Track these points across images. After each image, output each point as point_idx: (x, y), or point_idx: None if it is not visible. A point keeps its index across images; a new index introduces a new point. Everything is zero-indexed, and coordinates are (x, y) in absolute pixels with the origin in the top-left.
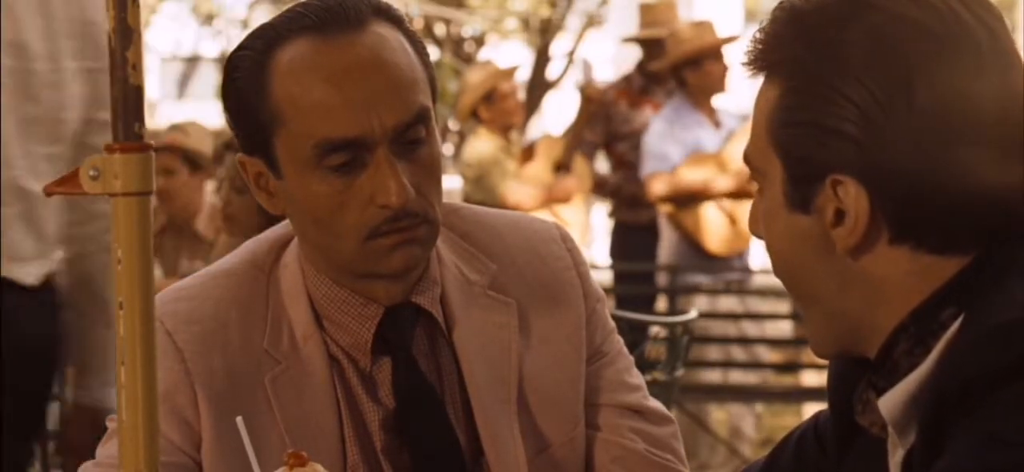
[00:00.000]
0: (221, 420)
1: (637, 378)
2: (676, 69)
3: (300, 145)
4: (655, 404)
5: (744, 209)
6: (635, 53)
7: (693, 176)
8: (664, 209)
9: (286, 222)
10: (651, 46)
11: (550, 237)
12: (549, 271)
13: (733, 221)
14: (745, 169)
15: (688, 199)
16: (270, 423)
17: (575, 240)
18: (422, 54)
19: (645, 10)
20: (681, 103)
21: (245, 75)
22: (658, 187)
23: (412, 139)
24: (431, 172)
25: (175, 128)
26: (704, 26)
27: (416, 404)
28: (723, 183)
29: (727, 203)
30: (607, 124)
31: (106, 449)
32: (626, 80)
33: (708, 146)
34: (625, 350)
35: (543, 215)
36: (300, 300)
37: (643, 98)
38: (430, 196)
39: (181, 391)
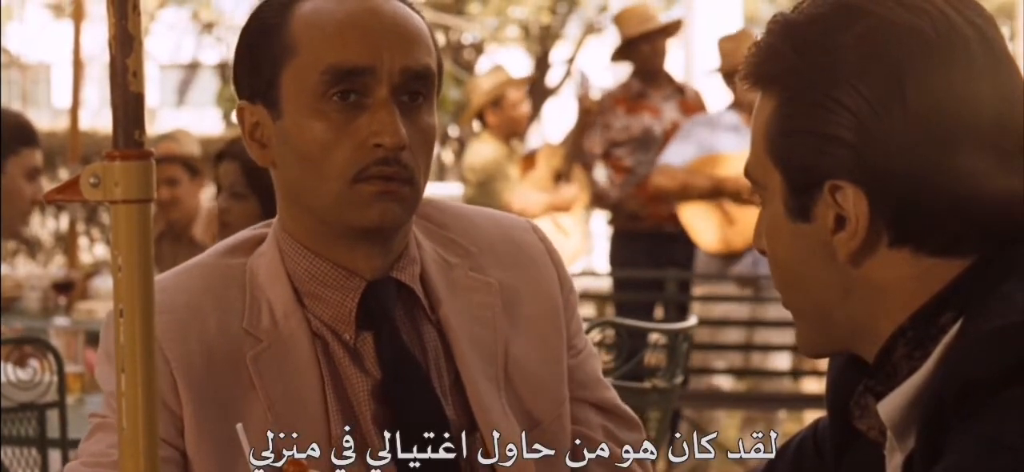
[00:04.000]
0: (202, 404)
1: (606, 380)
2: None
3: (308, 73)
4: (626, 408)
5: (745, 211)
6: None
7: (699, 174)
8: (675, 208)
9: (263, 224)
10: (636, 50)
11: (524, 227)
12: (526, 256)
13: (732, 221)
14: None
15: (690, 197)
16: (254, 402)
17: (575, 247)
18: (433, 38)
19: (622, 19)
20: (726, 107)
21: (268, 14)
22: (661, 180)
23: (414, 97)
24: (425, 141)
25: (166, 138)
26: (742, 37)
27: (401, 374)
28: (732, 185)
29: (729, 204)
30: (606, 132)
31: (89, 445)
32: (624, 87)
33: (734, 149)
34: (595, 352)
35: (545, 222)
36: (279, 281)
37: (640, 103)
38: (419, 162)
39: (160, 378)
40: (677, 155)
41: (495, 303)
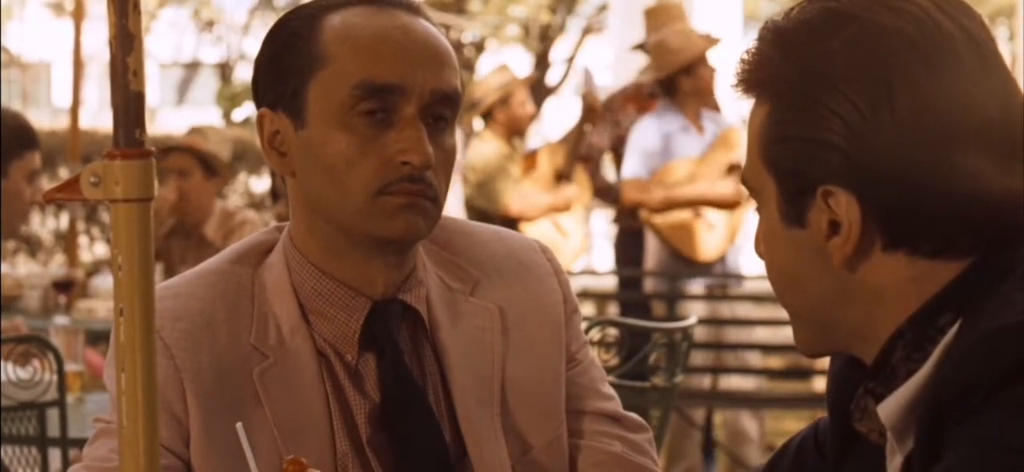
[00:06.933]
0: (210, 415)
1: (610, 389)
2: (669, 80)
3: (338, 86)
4: (631, 414)
5: (721, 215)
6: (634, 59)
7: (668, 182)
8: (643, 216)
9: (272, 228)
10: None
11: (531, 247)
12: (531, 275)
13: (711, 226)
14: (722, 175)
15: (662, 205)
16: (259, 417)
17: (575, 247)
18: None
19: (651, 14)
20: (666, 109)
21: (296, 23)
22: (632, 193)
23: (440, 119)
24: (447, 162)
25: (195, 131)
26: (690, 33)
27: (402, 398)
28: (699, 190)
29: (704, 209)
30: (615, 129)
31: (93, 450)
32: (636, 86)
33: (688, 153)
34: (598, 363)
35: (545, 222)
36: (286, 296)
37: (651, 103)
38: (441, 181)
39: (170, 386)
40: (641, 166)
41: (494, 327)
